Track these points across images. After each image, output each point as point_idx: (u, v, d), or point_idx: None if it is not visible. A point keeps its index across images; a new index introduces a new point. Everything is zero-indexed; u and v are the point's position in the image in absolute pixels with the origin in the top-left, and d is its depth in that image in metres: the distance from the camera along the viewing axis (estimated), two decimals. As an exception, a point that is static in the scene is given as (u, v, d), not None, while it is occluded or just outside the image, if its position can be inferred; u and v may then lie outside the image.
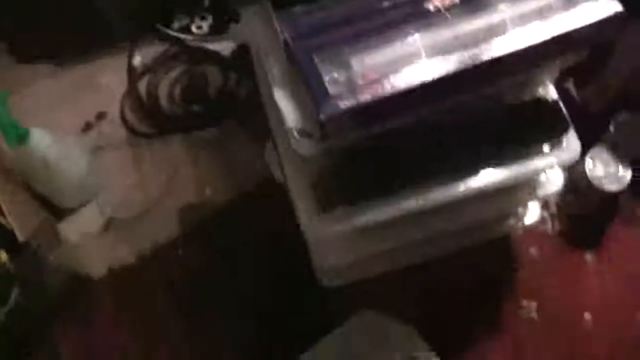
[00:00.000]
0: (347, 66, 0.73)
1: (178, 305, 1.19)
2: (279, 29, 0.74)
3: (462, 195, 0.88)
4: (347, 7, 0.76)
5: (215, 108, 1.34)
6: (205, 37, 1.37)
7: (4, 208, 1.12)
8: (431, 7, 0.75)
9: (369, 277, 1.11)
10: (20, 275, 1.07)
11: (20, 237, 1.05)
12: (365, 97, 0.71)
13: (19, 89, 1.32)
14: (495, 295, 1.17)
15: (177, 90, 1.36)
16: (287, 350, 1.11)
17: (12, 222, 1.07)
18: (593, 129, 1.15)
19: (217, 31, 1.37)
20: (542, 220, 1.20)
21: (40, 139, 1.13)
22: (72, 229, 1.24)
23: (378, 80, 0.72)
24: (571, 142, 0.89)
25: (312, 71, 0.72)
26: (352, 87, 0.72)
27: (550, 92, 0.90)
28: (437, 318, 1.14)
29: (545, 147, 0.89)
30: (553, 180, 0.99)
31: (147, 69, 1.37)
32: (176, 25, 1.38)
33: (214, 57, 1.36)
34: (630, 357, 1.13)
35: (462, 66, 0.73)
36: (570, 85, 1.22)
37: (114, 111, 1.34)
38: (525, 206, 1.13)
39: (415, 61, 0.73)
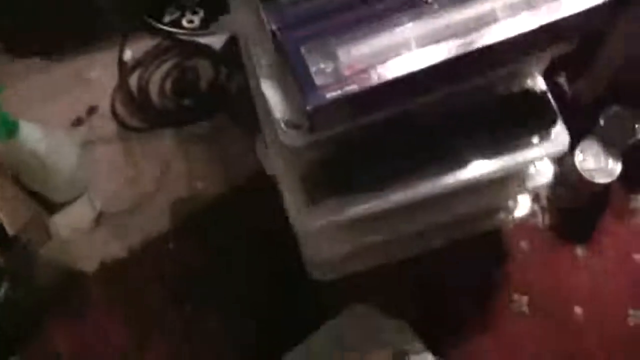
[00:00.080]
0: (334, 57, 0.72)
1: (170, 299, 1.19)
2: (265, 20, 0.74)
3: (451, 187, 0.88)
4: (335, -3, 0.76)
5: (206, 102, 1.34)
6: (196, 31, 1.37)
7: (-6, 202, 1.12)
8: (419, -3, 0.75)
9: (361, 271, 1.11)
10: (10, 269, 1.06)
11: (10, 231, 1.04)
12: (352, 87, 0.71)
13: (10, 83, 1.31)
14: (486, 289, 1.18)
15: (168, 84, 1.35)
16: (279, 343, 1.11)
17: (1, 215, 1.06)
18: (583, 121, 1.15)
19: (208, 25, 1.36)
20: (533, 214, 1.20)
21: (30, 133, 1.12)
22: (63, 224, 1.24)
23: (365, 71, 0.71)
24: (560, 134, 0.89)
25: (299, 62, 0.72)
26: (339, 78, 0.71)
27: (539, 83, 0.89)
28: (429, 311, 1.15)
29: (534, 139, 0.89)
30: (543, 173, 0.99)
31: (138, 63, 1.36)
32: (167, 19, 1.38)
33: (205, 51, 1.36)
34: (621, 351, 1.13)
35: (450, 56, 0.72)
36: (561, 79, 1.22)
37: (104, 105, 1.34)
38: (515, 199, 1.13)
39: (403, 51, 0.72)
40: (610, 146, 1.15)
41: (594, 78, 1.20)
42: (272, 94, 0.76)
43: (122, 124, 1.33)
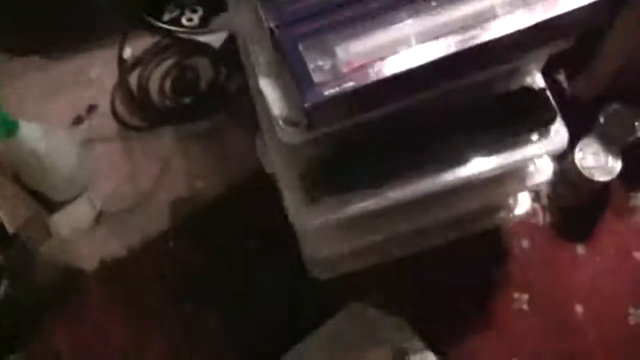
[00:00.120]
0: (332, 54, 0.72)
1: (170, 298, 1.19)
2: (263, 17, 0.74)
3: (450, 184, 0.88)
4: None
5: (206, 101, 1.34)
6: (196, 30, 1.36)
7: (-6, 200, 1.12)
8: (416, -6, 0.74)
9: (360, 269, 1.11)
10: (10, 267, 1.06)
11: (10, 229, 1.04)
12: (350, 84, 0.71)
13: (9, 81, 1.32)
14: (487, 287, 1.17)
15: (168, 83, 1.35)
16: (279, 342, 1.12)
17: (1, 214, 1.06)
18: (583, 119, 1.15)
19: (208, 23, 1.36)
20: (533, 212, 1.20)
21: (30, 132, 1.12)
22: (62, 223, 1.24)
23: (363, 68, 0.71)
24: (559, 131, 0.89)
25: (297, 59, 0.72)
26: (337, 75, 0.71)
27: (538, 80, 0.89)
28: (428, 310, 1.14)
29: (533, 136, 0.89)
30: (542, 171, 0.99)
31: (138, 62, 1.36)
32: (167, 17, 1.37)
33: (205, 49, 1.35)
34: (621, 350, 1.13)
35: (449, 53, 0.72)
36: (560, 76, 1.22)
37: (104, 104, 1.34)
38: (515, 198, 1.13)
39: (401, 48, 0.72)
40: (610, 144, 1.14)
41: (594, 75, 1.20)
42: (270, 92, 0.76)
43: (122, 122, 1.32)
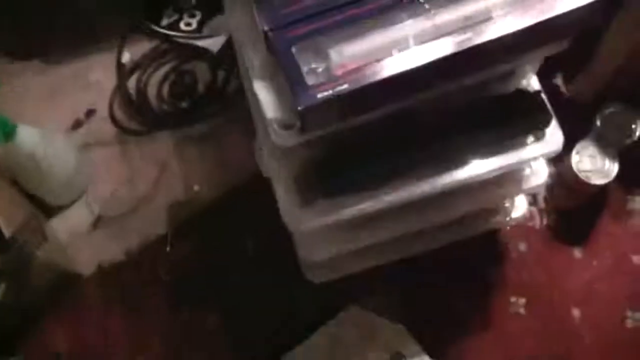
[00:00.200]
0: (325, 57, 0.72)
1: (168, 301, 1.19)
2: (257, 20, 0.74)
3: (445, 187, 0.88)
4: (327, -2, 0.76)
5: (204, 105, 1.34)
6: (194, 34, 1.37)
7: (-10, 203, 1.12)
8: (409, -3, 0.75)
9: (357, 272, 1.11)
10: (7, 270, 1.07)
11: (7, 232, 1.04)
12: (344, 87, 0.71)
13: (8, 85, 1.33)
14: (484, 291, 1.17)
15: (166, 87, 1.36)
16: (277, 345, 1.12)
17: (-2, 218, 1.07)
18: (580, 123, 1.15)
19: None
20: (530, 216, 1.20)
21: (28, 136, 1.13)
22: (61, 227, 1.24)
23: (356, 71, 0.71)
24: (554, 134, 0.89)
25: (291, 62, 0.72)
26: (330, 78, 0.71)
27: (533, 83, 0.89)
28: (426, 314, 1.14)
29: (528, 139, 0.89)
30: (538, 173, 0.99)
31: (136, 66, 1.37)
32: (165, 22, 1.38)
33: (203, 53, 1.36)
34: (619, 353, 1.13)
35: (443, 56, 0.72)
36: (558, 80, 1.22)
37: (103, 108, 1.34)
38: (512, 201, 1.13)
39: (395, 51, 0.72)
40: (607, 147, 1.14)
41: (591, 77, 1.20)
42: (264, 94, 0.76)
43: (120, 126, 1.33)
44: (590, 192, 1.17)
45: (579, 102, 1.22)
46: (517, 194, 1.09)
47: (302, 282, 1.12)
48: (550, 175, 1.01)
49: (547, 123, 0.88)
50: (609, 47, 1.13)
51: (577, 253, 1.19)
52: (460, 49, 0.72)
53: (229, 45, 1.31)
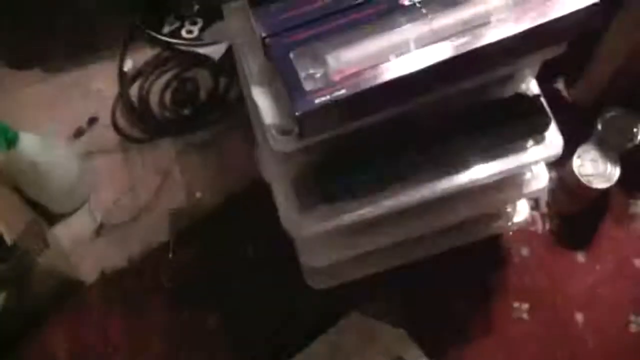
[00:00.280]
0: (323, 62, 0.73)
1: (170, 308, 1.19)
2: (255, 26, 0.74)
3: (445, 192, 0.88)
4: (324, 3, 0.76)
5: (205, 112, 1.34)
6: (195, 42, 1.38)
7: (-7, 211, 1.12)
8: (406, 2, 0.75)
9: (358, 278, 1.10)
10: (9, 277, 1.07)
11: (9, 239, 1.04)
12: (341, 93, 0.71)
13: (10, 93, 1.34)
14: (487, 296, 1.17)
15: (168, 95, 1.36)
16: (278, 352, 1.12)
17: (0, 224, 1.07)
18: (581, 127, 1.15)
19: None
20: (533, 220, 1.20)
21: (30, 144, 1.13)
22: (63, 235, 1.25)
23: (354, 76, 0.71)
24: (554, 138, 0.89)
25: (288, 68, 0.72)
26: (328, 83, 0.71)
27: (532, 87, 0.89)
28: (427, 319, 1.14)
29: (528, 143, 0.89)
30: (539, 178, 0.99)
31: (138, 74, 1.37)
32: (166, 29, 1.39)
33: (205, 61, 1.37)
34: (622, 358, 1.13)
35: (440, 60, 0.72)
36: (559, 84, 1.22)
37: (105, 116, 1.35)
38: (514, 206, 1.12)
39: (392, 56, 0.72)
40: (608, 151, 1.14)
41: (591, 79, 1.20)
42: (262, 100, 0.76)
43: (122, 134, 1.33)
44: (592, 196, 1.16)
45: (580, 107, 1.22)
46: (518, 198, 1.09)
47: (303, 288, 1.12)
48: (552, 180, 1.01)
49: (546, 127, 0.88)
50: (608, 48, 1.12)
51: (580, 257, 1.18)
52: (457, 52, 0.72)
53: (230, 52, 1.31)
